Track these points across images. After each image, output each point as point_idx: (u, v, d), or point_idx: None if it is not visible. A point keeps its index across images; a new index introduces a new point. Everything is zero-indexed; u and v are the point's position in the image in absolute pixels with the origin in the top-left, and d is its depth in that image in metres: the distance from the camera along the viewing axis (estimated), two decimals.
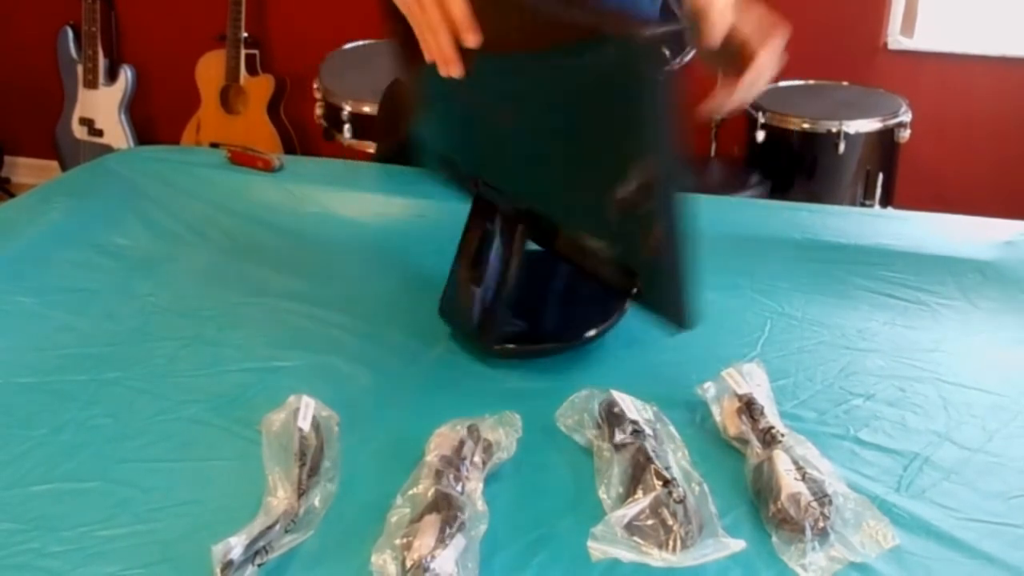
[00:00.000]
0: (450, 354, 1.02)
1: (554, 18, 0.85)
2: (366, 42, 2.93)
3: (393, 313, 1.10)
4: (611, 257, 0.98)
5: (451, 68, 0.90)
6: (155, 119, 3.52)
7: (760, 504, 0.78)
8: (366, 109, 2.54)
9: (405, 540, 0.72)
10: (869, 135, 2.50)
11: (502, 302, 1.01)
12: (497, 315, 1.01)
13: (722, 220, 1.31)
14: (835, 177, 2.55)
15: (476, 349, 1.02)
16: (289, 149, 3.25)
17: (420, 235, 1.28)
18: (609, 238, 0.96)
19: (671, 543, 0.74)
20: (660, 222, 0.86)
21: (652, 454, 0.80)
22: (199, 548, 0.72)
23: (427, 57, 0.89)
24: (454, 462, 0.79)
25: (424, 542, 0.70)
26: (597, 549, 0.74)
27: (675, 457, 0.83)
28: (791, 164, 2.61)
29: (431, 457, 0.80)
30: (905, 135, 2.54)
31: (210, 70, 3.24)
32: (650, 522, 0.75)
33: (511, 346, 1.00)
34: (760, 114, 2.56)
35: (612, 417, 0.85)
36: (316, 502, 0.79)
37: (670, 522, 0.74)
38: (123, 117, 3.39)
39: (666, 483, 0.77)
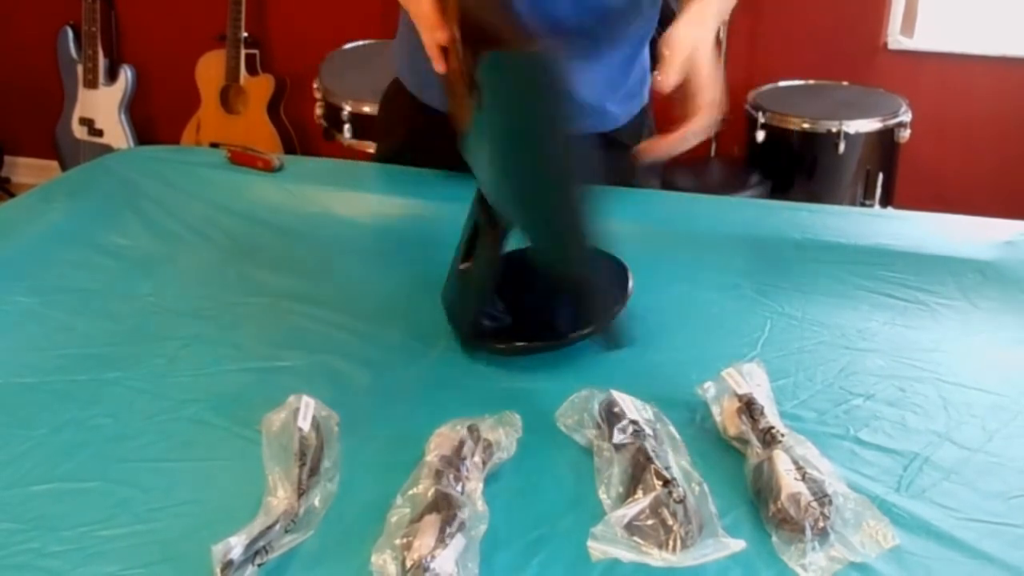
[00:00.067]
0: (450, 354, 1.02)
1: (480, 24, 0.87)
2: (366, 42, 2.93)
3: (393, 313, 1.10)
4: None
5: (437, 64, 0.91)
6: (155, 119, 3.52)
7: (760, 504, 0.78)
8: (366, 109, 2.54)
9: (405, 540, 0.72)
10: (869, 135, 2.51)
11: (477, 295, 1.01)
12: (472, 307, 1.01)
13: (722, 220, 1.32)
14: (835, 177, 2.55)
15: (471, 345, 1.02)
16: (289, 149, 3.26)
17: (420, 235, 1.28)
18: (545, 250, 0.96)
19: (671, 543, 0.74)
20: (568, 238, 0.86)
21: (652, 454, 0.80)
22: (199, 548, 0.72)
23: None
24: (454, 462, 0.79)
25: (424, 542, 0.70)
26: (597, 549, 0.74)
27: (675, 457, 0.83)
28: (791, 164, 2.61)
29: (431, 457, 0.80)
30: (905, 135, 2.54)
31: (210, 70, 3.24)
32: (650, 522, 0.75)
33: (500, 345, 1.00)
34: (760, 114, 2.56)
35: (612, 417, 0.85)
36: (316, 502, 0.79)
37: (670, 522, 0.74)
38: (123, 117, 3.39)
39: (666, 483, 0.77)
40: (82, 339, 1.06)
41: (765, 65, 2.92)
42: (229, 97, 3.26)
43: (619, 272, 1.05)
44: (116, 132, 3.39)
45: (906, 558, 0.74)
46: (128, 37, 3.46)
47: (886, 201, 2.62)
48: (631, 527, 0.75)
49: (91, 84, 3.36)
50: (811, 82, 2.78)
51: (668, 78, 1.02)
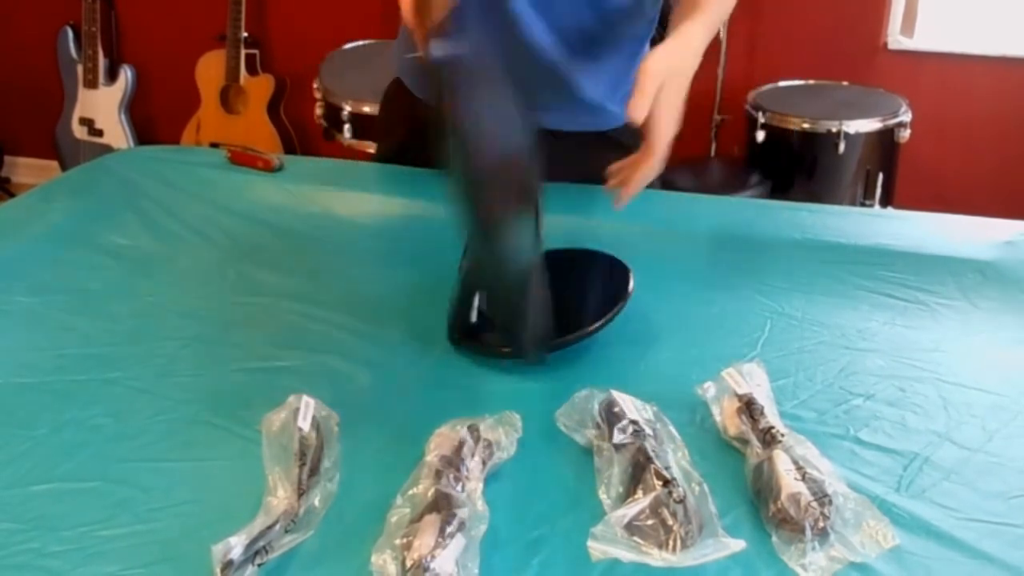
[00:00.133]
0: (450, 354, 1.02)
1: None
2: (366, 42, 2.93)
3: (393, 313, 1.10)
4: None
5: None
6: (155, 119, 3.52)
7: (760, 504, 0.78)
8: (366, 109, 2.54)
9: (405, 540, 0.72)
10: (869, 135, 2.51)
11: (461, 296, 1.01)
12: (459, 309, 1.01)
13: (722, 220, 1.32)
14: (835, 177, 2.55)
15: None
16: (289, 149, 3.26)
17: (420, 235, 1.28)
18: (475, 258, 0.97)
19: (671, 543, 0.74)
20: (476, 242, 0.87)
21: (652, 454, 0.80)
22: (199, 548, 0.72)
23: None
24: (454, 462, 0.79)
25: (424, 542, 0.71)
26: (597, 549, 0.74)
27: (675, 457, 0.83)
28: (791, 164, 2.61)
29: (431, 457, 0.81)
30: (905, 135, 2.54)
31: (210, 70, 3.24)
32: (650, 522, 0.75)
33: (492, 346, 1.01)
34: (760, 114, 2.56)
35: (612, 417, 0.85)
36: (316, 502, 0.79)
37: (670, 522, 0.74)
38: (123, 117, 3.39)
39: (666, 483, 0.77)
40: (82, 339, 1.06)
41: (765, 65, 2.92)
42: (229, 97, 3.26)
43: (620, 274, 1.05)
44: (116, 132, 3.39)
45: (906, 558, 0.74)
46: (128, 37, 3.46)
47: (886, 201, 2.62)
48: (631, 527, 0.75)
49: (91, 84, 3.36)
50: (811, 82, 2.78)
51: (637, 109, 1.01)
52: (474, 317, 1.03)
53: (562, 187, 1.25)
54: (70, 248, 1.25)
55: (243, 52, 3.19)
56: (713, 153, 2.97)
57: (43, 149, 3.57)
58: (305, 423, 0.84)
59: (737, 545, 0.74)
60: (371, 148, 2.51)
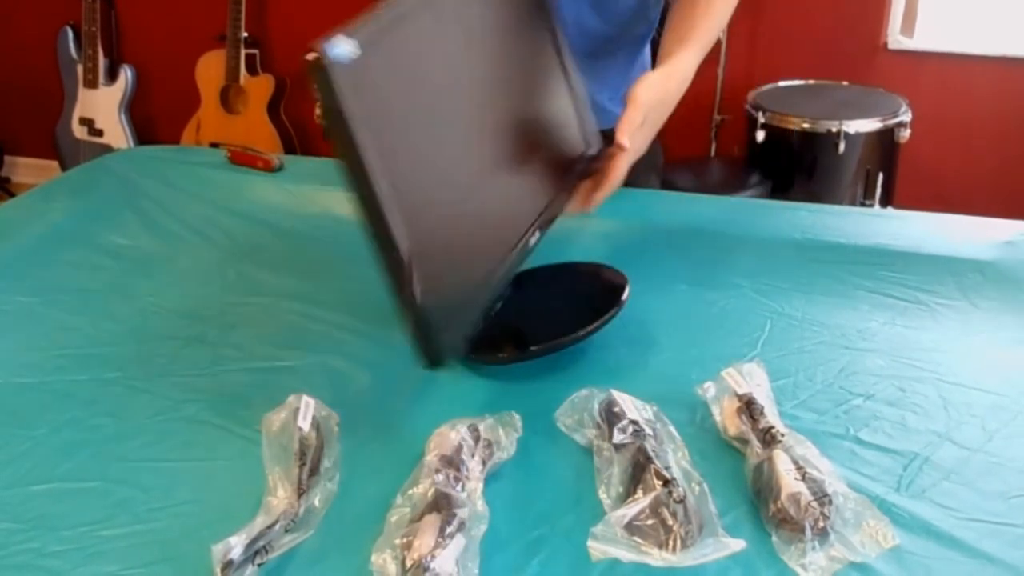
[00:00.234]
0: None
1: None
2: None
3: (393, 313, 1.10)
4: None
5: None
6: (155, 119, 3.52)
7: (760, 504, 0.78)
8: None
9: (405, 540, 0.72)
10: (869, 135, 2.51)
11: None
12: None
13: (722, 220, 1.32)
14: (835, 177, 2.55)
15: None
16: (289, 149, 3.26)
17: None
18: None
19: (671, 543, 0.74)
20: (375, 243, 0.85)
21: (652, 454, 0.80)
22: (199, 548, 0.72)
23: None
24: (454, 462, 0.79)
25: (424, 542, 0.71)
26: (597, 549, 0.74)
27: (675, 457, 0.83)
28: (791, 164, 2.61)
29: (431, 457, 0.80)
30: (905, 135, 2.54)
31: (210, 70, 3.24)
32: (650, 522, 0.75)
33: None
34: (760, 114, 2.56)
35: (612, 417, 0.85)
36: (316, 502, 0.79)
37: (670, 522, 0.74)
38: (123, 117, 3.39)
39: (666, 483, 0.77)
40: (82, 339, 1.06)
41: (765, 65, 2.92)
42: (229, 97, 3.26)
43: (616, 285, 1.03)
44: (116, 132, 3.39)
45: (906, 558, 0.74)
46: (128, 37, 3.46)
47: (886, 201, 2.62)
48: (631, 527, 0.75)
49: (91, 84, 3.36)
50: (811, 82, 2.78)
51: (624, 135, 1.04)
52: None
53: None
54: (70, 248, 1.26)
55: (243, 52, 3.19)
56: (713, 153, 2.97)
57: (43, 149, 3.57)
58: (305, 423, 0.84)
59: (737, 545, 0.74)
60: None
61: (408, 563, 0.70)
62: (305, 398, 0.86)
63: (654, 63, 1.37)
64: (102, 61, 3.35)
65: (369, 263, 0.85)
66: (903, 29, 2.86)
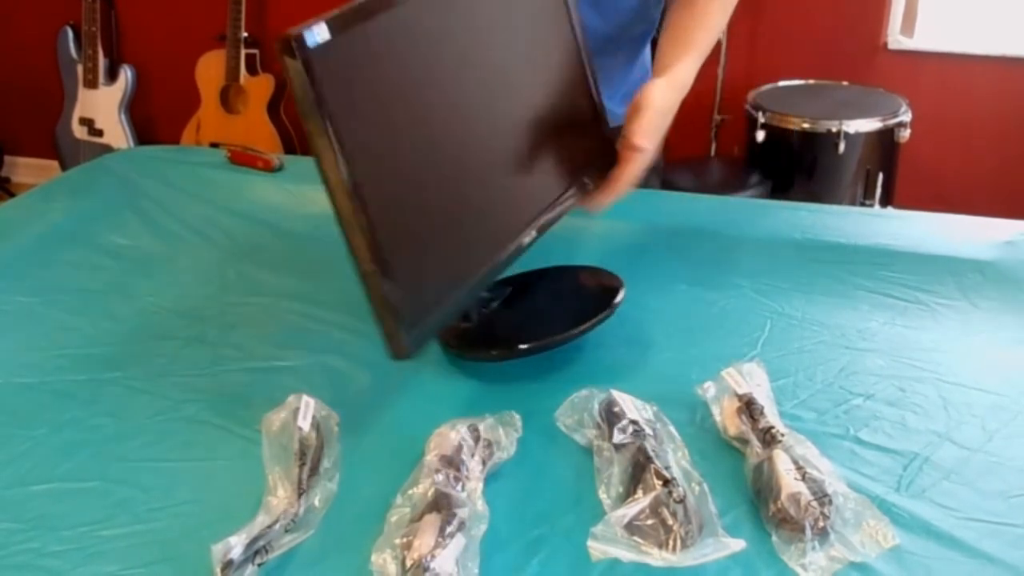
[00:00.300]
0: (450, 354, 1.02)
1: None
2: None
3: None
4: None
5: None
6: (155, 119, 3.52)
7: (760, 504, 0.78)
8: None
9: (405, 540, 0.72)
10: (869, 135, 2.51)
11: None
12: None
13: (722, 220, 1.32)
14: (835, 177, 2.55)
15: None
16: (289, 149, 3.26)
17: None
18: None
19: (671, 543, 0.74)
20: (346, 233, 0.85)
21: (652, 454, 0.80)
22: (199, 548, 0.72)
23: None
24: (454, 462, 0.79)
25: (424, 541, 0.71)
26: (597, 549, 0.74)
27: (675, 457, 0.83)
28: (791, 164, 2.61)
29: (431, 457, 0.80)
30: (905, 135, 2.54)
31: (210, 70, 3.24)
32: (650, 522, 0.75)
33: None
34: (760, 114, 2.56)
35: (612, 417, 0.85)
36: (316, 502, 0.79)
37: (670, 522, 0.74)
38: (123, 117, 3.39)
39: (666, 483, 0.77)
40: (82, 339, 1.06)
41: (765, 65, 2.92)
42: (229, 97, 3.26)
43: (610, 288, 1.03)
44: (116, 132, 3.39)
45: (906, 558, 0.74)
46: (128, 37, 3.46)
47: (886, 201, 2.62)
48: (631, 527, 0.75)
49: (91, 84, 3.36)
50: (811, 82, 2.78)
51: (641, 138, 1.04)
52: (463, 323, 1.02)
53: None
54: (70, 248, 1.26)
55: (243, 52, 3.19)
56: (713, 153, 2.98)
57: (43, 149, 3.57)
58: (305, 423, 0.84)
59: (737, 545, 0.74)
60: None
61: (408, 563, 0.70)
62: (305, 398, 0.86)
63: (652, 63, 1.37)
64: (102, 61, 3.35)
65: None
66: (903, 29, 2.86)
